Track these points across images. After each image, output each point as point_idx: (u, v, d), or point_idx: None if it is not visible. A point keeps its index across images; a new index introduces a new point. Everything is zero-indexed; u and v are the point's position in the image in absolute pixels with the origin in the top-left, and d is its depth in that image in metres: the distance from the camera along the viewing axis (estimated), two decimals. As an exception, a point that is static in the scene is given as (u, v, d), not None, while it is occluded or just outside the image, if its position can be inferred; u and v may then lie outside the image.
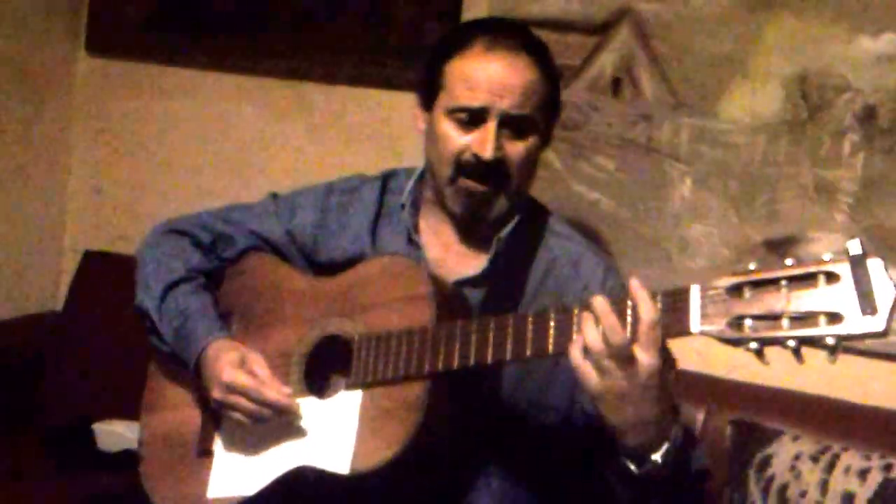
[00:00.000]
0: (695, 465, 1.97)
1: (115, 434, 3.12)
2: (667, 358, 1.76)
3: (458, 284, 2.17)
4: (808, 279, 1.57)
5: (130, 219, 3.77)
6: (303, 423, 2.11)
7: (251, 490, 2.13)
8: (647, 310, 1.70)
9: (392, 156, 3.10)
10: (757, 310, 1.60)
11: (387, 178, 2.38)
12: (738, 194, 2.88)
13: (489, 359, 1.90)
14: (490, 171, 2.12)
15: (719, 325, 1.64)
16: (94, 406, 3.22)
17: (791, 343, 1.58)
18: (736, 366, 2.84)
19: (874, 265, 1.53)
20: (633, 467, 1.83)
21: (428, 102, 2.22)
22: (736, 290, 1.63)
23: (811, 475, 2.45)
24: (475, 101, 2.12)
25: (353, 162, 3.15)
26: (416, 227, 2.27)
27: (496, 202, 2.16)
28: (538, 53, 2.19)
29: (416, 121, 2.28)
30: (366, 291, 2.13)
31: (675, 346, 2.11)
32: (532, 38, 2.22)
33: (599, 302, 1.74)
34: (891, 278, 1.52)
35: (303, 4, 3.45)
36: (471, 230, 2.23)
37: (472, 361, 1.91)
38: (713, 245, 2.91)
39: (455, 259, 2.23)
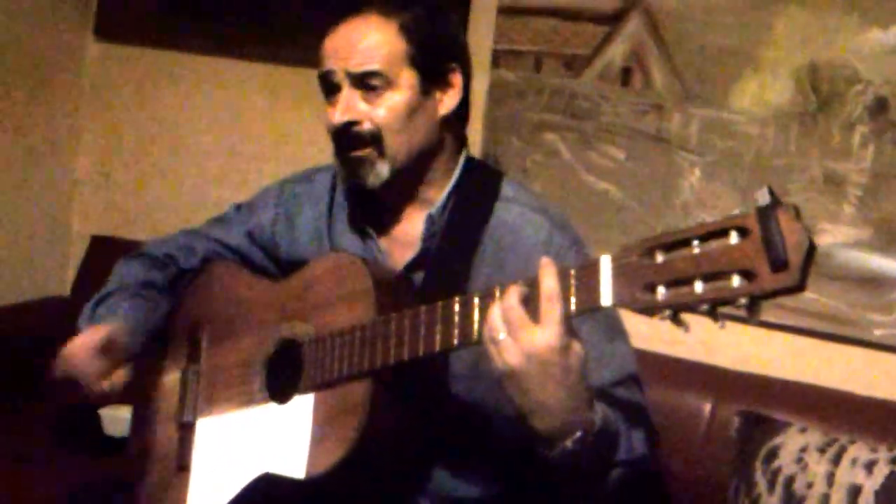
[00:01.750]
0: (627, 452, 1.90)
1: (121, 419, 3.12)
2: (570, 344, 1.67)
3: (406, 269, 2.13)
4: (719, 236, 1.47)
5: (138, 204, 3.78)
6: (264, 431, 2.11)
7: (223, 501, 2.13)
8: (547, 285, 1.64)
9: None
10: (669, 274, 1.51)
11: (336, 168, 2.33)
12: (748, 185, 2.88)
13: (420, 351, 1.85)
14: (351, 137, 2.07)
15: (631, 296, 1.56)
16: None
17: (704, 307, 1.49)
18: (743, 357, 2.84)
19: (784, 215, 1.42)
20: (547, 453, 1.76)
21: None
22: (648, 256, 1.54)
23: (818, 467, 2.45)
24: (322, 68, 2.12)
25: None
26: (363, 218, 2.21)
27: (371, 166, 2.07)
28: (396, 12, 2.10)
29: None
30: (315, 291, 2.10)
31: (676, 336, 2.11)
32: (394, 1, 2.14)
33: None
34: (803, 227, 1.42)
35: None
36: (403, 212, 2.17)
37: (405, 355, 1.87)
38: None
39: (401, 244, 2.17)
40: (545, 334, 1.65)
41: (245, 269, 2.36)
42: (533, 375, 1.67)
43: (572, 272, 1.65)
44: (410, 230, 2.16)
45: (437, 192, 2.15)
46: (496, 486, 2.16)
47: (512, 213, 2.13)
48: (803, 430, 2.53)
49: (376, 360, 1.91)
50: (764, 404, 2.64)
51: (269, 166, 3.54)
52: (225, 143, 3.65)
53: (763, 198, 1.44)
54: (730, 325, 2.92)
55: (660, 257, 1.54)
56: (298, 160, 3.44)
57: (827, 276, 2.80)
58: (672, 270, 1.52)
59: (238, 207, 2.46)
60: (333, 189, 2.29)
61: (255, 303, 2.24)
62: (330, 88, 2.11)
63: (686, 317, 1.55)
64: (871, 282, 2.76)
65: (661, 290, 1.53)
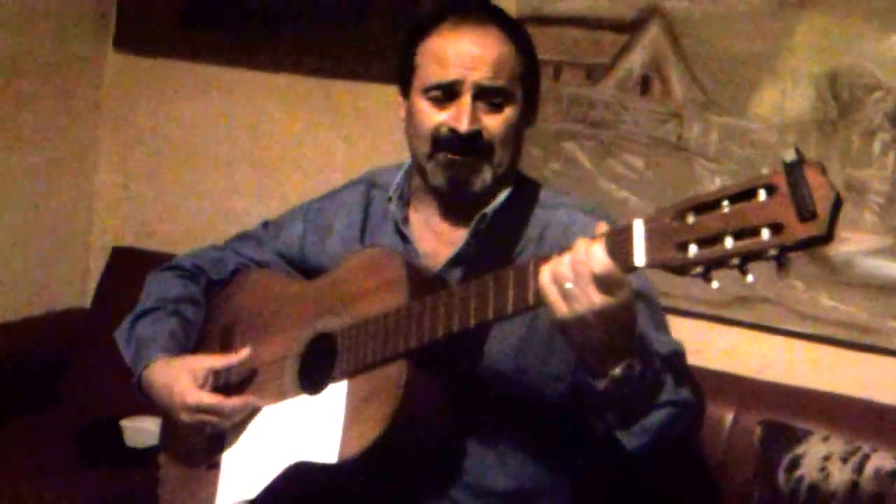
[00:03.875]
0: (673, 394, 1.95)
1: (142, 430, 3.13)
2: (633, 300, 1.77)
3: (445, 268, 2.17)
4: (748, 195, 1.54)
5: (158, 215, 3.79)
6: (297, 422, 2.14)
7: (253, 493, 2.16)
8: (598, 260, 1.71)
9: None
10: (700, 233, 1.58)
11: (371, 177, 2.40)
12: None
13: (455, 327, 1.90)
14: (468, 144, 2.11)
15: (664, 255, 1.63)
16: (122, 402, 3.21)
17: (735, 261, 1.55)
18: (765, 366, 2.84)
19: (811, 170, 1.49)
20: (596, 383, 1.84)
21: (405, 89, 2.23)
22: (679, 218, 1.61)
23: (841, 476, 2.44)
24: (447, 76, 2.11)
25: (380, 159, 3.13)
26: (405, 220, 2.26)
27: (479, 173, 2.13)
28: (509, 27, 2.19)
29: (399, 110, 2.27)
30: (349, 286, 2.15)
31: (704, 345, 2.11)
32: (502, 13, 2.23)
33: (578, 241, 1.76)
34: (829, 182, 1.48)
35: (330, 2, 3.46)
36: (459, 215, 2.21)
37: (440, 333, 1.92)
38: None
39: (445, 244, 2.22)
40: (620, 293, 1.73)
41: (277, 272, 2.41)
42: (598, 325, 1.75)
43: (604, 237, 1.72)
44: (456, 226, 2.21)
45: (493, 197, 2.19)
46: (530, 480, 2.17)
47: (558, 215, 2.21)
48: (826, 439, 2.52)
49: (411, 340, 1.96)
50: (786, 413, 2.63)
51: (288, 176, 3.55)
52: (244, 154, 3.66)
53: (790, 156, 1.51)
54: (751, 333, 2.95)
55: (691, 218, 1.60)
56: (316, 169, 3.46)
57: (848, 283, 2.79)
58: (703, 229, 1.58)
59: (265, 225, 2.50)
60: (366, 201, 2.34)
61: (288, 301, 2.29)
62: (447, 95, 2.13)
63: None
64: (892, 289, 2.75)
65: (692, 248, 1.59)
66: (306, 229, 2.41)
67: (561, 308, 1.75)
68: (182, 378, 2.22)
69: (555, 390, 2.15)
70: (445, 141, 2.12)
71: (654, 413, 1.92)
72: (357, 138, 3.45)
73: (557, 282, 1.74)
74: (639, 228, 1.66)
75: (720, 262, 1.57)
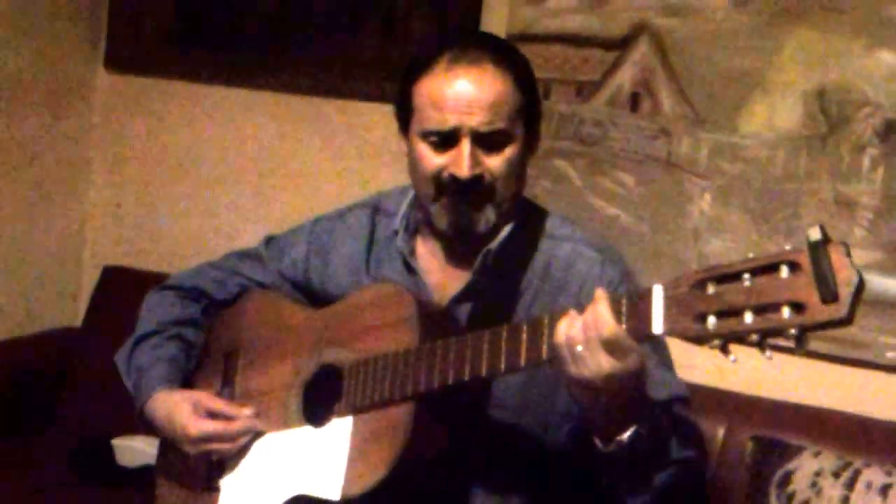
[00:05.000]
0: (679, 453, 1.94)
1: (134, 450, 3.12)
2: (643, 367, 1.76)
3: (452, 303, 2.16)
4: (770, 270, 1.54)
5: (150, 234, 3.79)
6: (299, 453, 2.13)
7: None
8: (604, 324, 1.70)
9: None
10: (720, 305, 1.58)
11: (377, 202, 2.35)
12: (758, 209, 2.88)
13: (466, 376, 1.90)
14: (470, 189, 2.07)
15: (682, 325, 1.62)
16: (113, 421, 3.22)
17: (754, 337, 1.55)
18: (756, 381, 2.84)
19: (835, 251, 1.49)
20: (602, 447, 1.84)
21: (404, 126, 2.19)
22: (699, 288, 1.61)
23: (833, 491, 2.44)
24: (445, 125, 2.06)
25: (370, 177, 3.16)
26: (412, 252, 2.23)
27: (483, 215, 2.11)
28: (506, 62, 2.11)
29: (400, 143, 2.23)
30: (357, 319, 2.13)
31: (694, 361, 2.11)
32: (499, 45, 2.17)
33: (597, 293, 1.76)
34: (853, 264, 1.48)
35: (320, 21, 3.46)
36: (465, 249, 2.18)
37: (450, 380, 1.91)
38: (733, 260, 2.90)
39: (451, 280, 2.20)
40: (629, 360, 1.72)
41: (283, 296, 2.39)
42: (607, 389, 1.74)
43: (624, 300, 1.71)
44: (462, 262, 2.19)
45: (496, 232, 2.16)
46: (551, 497, 2.16)
47: (564, 248, 2.18)
48: (817, 455, 2.52)
49: (420, 384, 1.95)
50: (777, 429, 2.64)
51: (280, 194, 3.55)
52: (235, 172, 3.66)
53: (815, 234, 1.51)
54: (742, 349, 2.93)
55: (711, 289, 1.59)
56: (308, 187, 3.46)
57: (839, 299, 2.80)
58: (723, 301, 1.58)
59: (268, 242, 2.46)
60: (372, 227, 2.31)
61: (293, 329, 2.27)
62: (445, 140, 2.08)
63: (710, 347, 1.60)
64: (883, 304, 2.75)
65: (711, 320, 1.58)
66: (310, 251, 2.38)
67: (570, 369, 1.75)
68: (183, 409, 2.21)
69: (559, 430, 2.13)
70: (448, 186, 2.09)
71: (660, 474, 1.92)
72: (348, 156, 3.46)
73: (568, 343, 1.74)
74: (658, 295, 1.66)
75: (739, 338, 1.58)
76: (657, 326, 1.66)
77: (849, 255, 1.49)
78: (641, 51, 2.99)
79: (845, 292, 1.47)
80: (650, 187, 3.00)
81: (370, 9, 3.39)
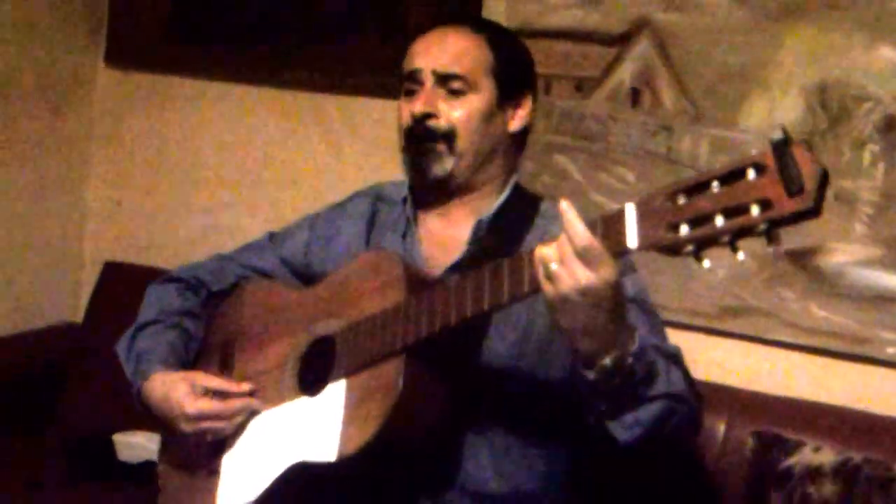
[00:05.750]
0: (667, 386, 1.95)
1: (135, 445, 3.13)
2: (620, 281, 1.77)
3: (446, 273, 2.19)
4: (737, 176, 1.56)
5: (150, 230, 3.79)
6: (296, 423, 2.15)
7: (252, 496, 2.16)
8: (578, 234, 1.71)
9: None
10: (691, 213, 1.60)
11: (379, 189, 2.43)
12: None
13: (452, 319, 1.91)
14: (426, 131, 2.18)
15: (656, 236, 1.65)
16: (114, 417, 3.22)
17: (726, 237, 1.58)
18: (757, 377, 2.84)
19: (798, 148, 1.52)
20: (587, 373, 1.84)
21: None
22: (670, 200, 1.63)
23: (833, 487, 2.44)
24: (410, 66, 2.22)
25: (370, 173, 3.15)
26: (415, 219, 2.30)
27: (438, 159, 2.19)
28: (484, 27, 2.29)
29: None
30: (347, 288, 2.17)
31: (695, 356, 2.11)
32: (483, 20, 2.35)
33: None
34: (816, 158, 1.52)
35: (321, 16, 3.46)
36: (459, 224, 2.25)
37: (437, 326, 1.94)
38: (733, 255, 2.89)
39: (445, 249, 2.24)
40: (603, 269, 1.71)
41: (276, 282, 2.42)
42: (584, 303, 1.74)
43: (598, 220, 1.73)
44: (457, 235, 2.24)
45: (489, 203, 2.25)
46: (525, 484, 2.18)
47: (557, 225, 2.17)
48: (817, 450, 2.52)
49: (408, 335, 1.97)
50: (777, 424, 2.63)
51: (280, 190, 3.55)
52: (236, 168, 3.66)
53: (777, 135, 1.54)
54: (743, 344, 2.95)
55: (682, 200, 1.62)
56: (308, 183, 3.46)
57: (838, 294, 2.80)
58: (694, 209, 1.60)
59: (271, 236, 2.52)
60: (372, 212, 2.38)
61: (287, 309, 2.31)
62: (413, 87, 2.22)
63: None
64: (883, 300, 2.75)
65: (684, 228, 1.61)
66: (311, 237, 2.43)
67: (547, 290, 1.75)
68: (180, 388, 2.23)
69: (551, 393, 2.16)
70: (408, 131, 2.21)
71: (648, 406, 1.91)
72: (348, 152, 3.46)
73: (543, 263, 1.75)
74: (631, 211, 1.68)
75: (711, 240, 1.60)
76: (632, 240, 1.68)
77: (811, 150, 1.52)
78: (642, 46, 2.99)
79: (810, 184, 1.50)
80: (651, 183, 2.99)
81: (370, 5, 3.39)
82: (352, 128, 3.45)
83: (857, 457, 2.48)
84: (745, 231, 1.56)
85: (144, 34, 3.72)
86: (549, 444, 2.20)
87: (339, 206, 2.45)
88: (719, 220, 1.57)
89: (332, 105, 3.48)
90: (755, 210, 1.53)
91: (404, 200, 2.32)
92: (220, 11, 3.63)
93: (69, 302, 3.85)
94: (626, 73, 3.02)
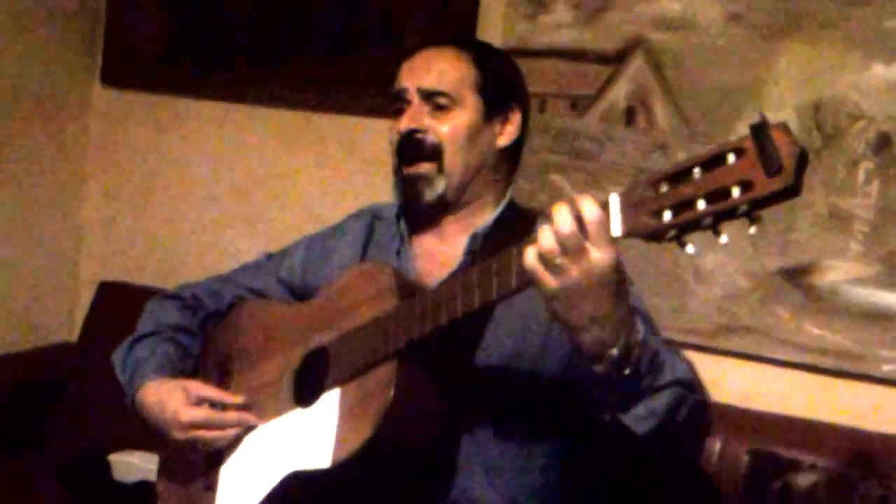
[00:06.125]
0: (674, 373, 1.93)
1: (130, 465, 3.12)
2: (620, 262, 1.76)
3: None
4: (718, 161, 1.58)
5: (146, 249, 3.79)
6: (292, 435, 2.15)
7: None
8: (590, 208, 1.70)
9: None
10: (673, 200, 1.61)
11: (375, 210, 2.45)
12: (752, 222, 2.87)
13: (443, 319, 1.92)
14: (413, 148, 2.21)
15: (639, 223, 1.66)
16: (110, 437, 3.22)
17: (708, 220, 1.59)
18: (753, 394, 2.84)
19: (776, 130, 1.54)
20: (595, 367, 1.82)
21: None
22: (653, 189, 1.64)
23: (829, 504, 2.45)
24: (397, 86, 2.27)
25: (365, 192, 3.16)
26: (409, 235, 2.31)
27: (431, 182, 2.21)
28: (470, 46, 2.33)
29: None
30: (341, 300, 2.19)
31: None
32: (469, 39, 2.40)
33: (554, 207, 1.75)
34: (795, 139, 1.53)
35: (317, 37, 3.47)
36: (453, 239, 2.26)
37: (428, 328, 1.94)
38: (728, 274, 2.90)
39: (440, 264, 2.25)
40: (601, 253, 1.70)
41: (271, 300, 2.44)
42: (590, 291, 1.73)
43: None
44: (451, 251, 2.25)
45: (483, 218, 2.27)
46: (518, 496, 2.17)
47: None
48: (813, 468, 2.53)
49: (400, 339, 1.98)
50: (773, 442, 2.63)
51: (276, 209, 3.55)
52: (231, 188, 3.66)
53: (756, 119, 1.56)
54: (738, 362, 2.95)
55: (664, 187, 1.63)
56: (304, 203, 3.46)
57: (834, 312, 2.80)
58: (676, 195, 1.62)
59: (269, 257, 2.54)
60: (369, 231, 2.39)
61: (282, 325, 2.32)
62: (400, 105, 2.26)
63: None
64: (879, 317, 2.76)
65: (666, 215, 1.63)
66: (308, 257, 2.44)
67: (550, 282, 1.73)
68: (175, 396, 2.24)
69: (543, 404, 2.16)
70: (397, 149, 2.23)
71: (658, 395, 1.89)
72: (344, 172, 3.46)
73: (543, 258, 1.73)
74: (615, 201, 1.69)
75: (694, 224, 1.61)
76: (616, 228, 1.68)
77: (789, 131, 1.54)
78: (636, 65, 3.00)
79: (789, 163, 1.52)
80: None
81: (367, 25, 3.40)
82: (347, 147, 3.45)
83: (853, 474, 2.48)
84: (727, 213, 1.58)
85: (140, 54, 3.73)
86: (545, 458, 2.19)
87: (337, 227, 2.47)
88: (701, 204, 1.58)
89: (328, 124, 3.48)
90: (736, 192, 1.55)
91: (398, 218, 2.33)
92: (216, 32, 3.64)
93: (65, 321, 3.85)
94: (620, 92, 3.03)
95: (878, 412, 2.76)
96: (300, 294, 2.42)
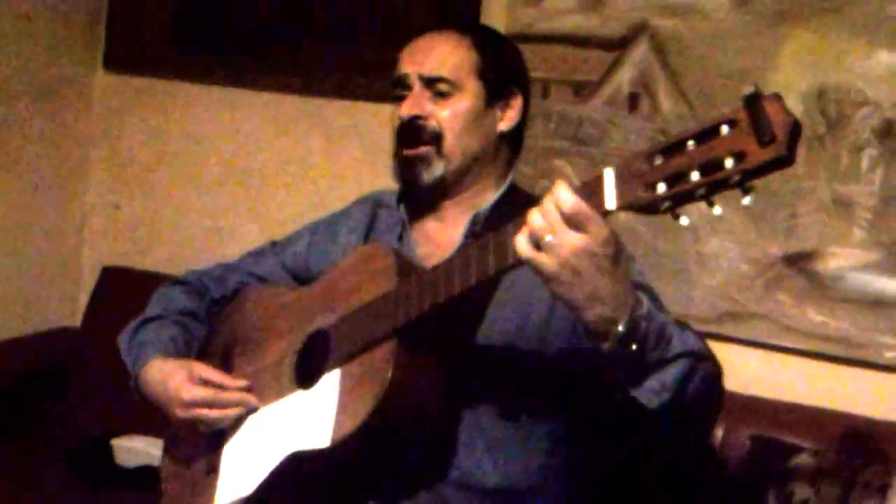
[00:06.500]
0: (683, 345, 1.90)
1: (133, 450, 3.13)
2: (615, 235, 1.75)
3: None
4: (712, 133, 1.58)
5: (149, 234, 3.79)
6: (292, 417, 2.15)
7: (249, 490, 2.17)
8: (564, 196, 1.70)
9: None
10: (667, 172, 1.61)
11: (378, 198, 2.44)
12: (756, 209, 2.86)
13: (441, 297, 1.92)
14: (414, 133, 2.20)
15: (633, 195, 1.66)
16: (113, 422, 3.23)
17: (701, 191, 1.59)
18: (755, 381, 2.84)
19: (769, 100, 1.53)
20: (602, 345, 1.80)
21: None
22: (647, 162, 1.64)
23: (831, 491, 2.45)
24: (399, 71, 2.26)
25: (369, 177, 3.16)
26: (410, 221, 2.31)
27: (430, 164, 2.21)
28: (470, 30, 2.31)
29: None
30: (342, 283, 2.19)
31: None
32: (470, 22, 2.37)
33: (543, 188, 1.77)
34: (787, 109, 1.52)
35: (320, 22, 3.47)
36: (449, 215, 2.27)
37: (426, 306, 1.94)
38: (732, 260, 2.90)
39: (440, 248, 2.25)
40: (594, 227, 1.70)
41: (274, 285, 2.44)
42: (585, 268, 1.72)
43: (578, 188, 1.73)
44: (452, 234, 2.25)
45: (484, 200, 2.27)
46: (521, 478, 2.16)
47: None
48: (816, 454, 2.53)
49: (398, 317, 1.98)
50: (776, 429, 2.64)
51: (279, 194, 3.55)
52: (234, 173, 3.66)
53: (749, 90, 1.55)
54: (741, 349, 2.95)
55: (658, 160, 1.63)
56: (310, 189, 3.46)
57: (837, 299, 2.80)
58: (670, 167, 1.62)
59: (273, 244, 2.54)
60: (372, 217, 2.40)
61: (284, 309, 2.32)
62: (402, 92, 2.25)
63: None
64: (882, 304, 2.76)
65: (660, 187, 1.62)
66: (312, 243, 2.45)
67: (544, 263, 1.73)
68: (177, 374, 2.24)
69: (546, 384, 2.15)
70: (397, 134, 2.23)
71: (669, 367, 1.87)
72: (347, 156, 3.46)
73: (533, 237, 1.73)
74: (609, 175, 1.69)
75: (688, 195, 1.61)
76: (610, 202, 1.68)
77: (781, 101, 1.53)
78: (640, 51, 3.00)
79: (781, 132, 1.51)
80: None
81: (369, 10, 3.40)
82: (351, 132, 3.45)
83: (855, 461, 2.48)
84: (720, 184, 1.58)
85: (143, 39, 3.73)
86: (547, 439, 2.19)
87: (341, 213, 2.47)
88: (694, 176, 1.58)
89: (332, 109, 3.48)
90: (729, 162, 1.55)
91: (398, 203, 2.33)
92: (219, 16, 3.64)
93: (67, 306, 3.85)
94: (624, 78, 3.03)
95: (880, 399, 2.76)
96: (304, 280, 2.42)
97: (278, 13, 3.53)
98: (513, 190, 2.31)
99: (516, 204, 2.24)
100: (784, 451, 2.56)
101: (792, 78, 2.84)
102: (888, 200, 2.75)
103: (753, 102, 1.54)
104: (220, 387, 2.24)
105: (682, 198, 1.62)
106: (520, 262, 1.79)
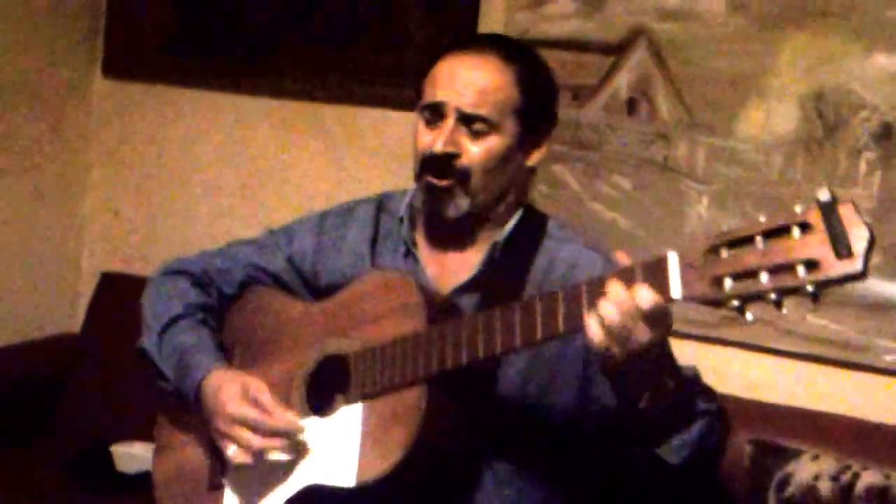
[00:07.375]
0: (706, 404, 1.98)
1: (133, 456, 3.13)
2: (670, 327, 1.78)
3: (455, 293, 2.18)
4: (782, 232, 1.56)
5: (148, 240, 3.79)
6: (307, 444, 2.11)
7: None
8: (644, 293, 1.71)
9: (408, 177, 3.10)
10: (735, 268, 1.60)
11: (383, 199, 2.40)
12: (755, 213, 2.86)
13: (481, 354, 1.91)
14: (443, 166, 2.13)
15: (700, 289, 1.64)
16: (112, 428, 3.23)
17: (772, 296, 1.58)
18: (755, 385, 2.84)
19: (846, 210, 1.51)
20: (637, 400, 1.86)
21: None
22: (713, 253, 1.63)
23: (831, 494, 2.44)
24: (434, 98, 2.16)
25: (369, 183, 3.16)
26: (413, 242, 2.27)
27: (454, 198, 2.15)
28: (514, 59, 2.19)
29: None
30: (360, 307, 2.14)
31: (696, 364, 2.11)
32: (515, 47, 2.23)
33: (610, 280, 1.76)
34: (864, 220, 1.51)
35: (319, 27, 3.47)
36: (467, 241, 2.24)
37: (464, 360, 1.93)
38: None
39: (452, 271, 2.23)
40: (668, 320, 1.75)
41: (281, 292, 2.39)
42: (646, 359, 1.77)
43: (637, 269, 1.73)
44: (465, 257, 2.22)
45: (501, 228, 2.23)
46: (554, 486, 2.19)
47: (566, 249, 2.23)
48: (815, 458, 2.53)
49: (432, 364, 1.96)
50: (775, 432, 2.64)
51: (278, 199, 3.55)
52: (233, 178, 3.66)
53: (824, 195, 1.53)
54: (740, 352, 2.95)
55: (725, 253, 1.62)
56: (309, 195, 3.46)
57: (836, 302, 2.80)
58: (738, 264, 1.60)
59: (272, 232, 2.47)
60: (377, 219, 2.35)
61: (293, 322, 2.27)
62: (435, 116, 2.16)
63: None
64: (881, 308, 2.76)
65: (727, 283, 1.61)
66: (320, 244, 2.39)
67: (614, 355, 1.76)
68: (232, 388, 2.12)
69: (555, 422, 2.16)
70: (425, 162, 2.16)
71: (691, 426, 1.93)
72: (346, 162, 3.46)
73: (606, 326, 1.74)
74: (674, 261, 1.68)
75: (757, 297, 1.60)
76: (675, 292, 1.68)
77: (858, 211, 1.52)
78: (638, 55, 3.00)
79: (859, 246, 1.50)
80: (647, 191, 3.00)
81: (368, 15, 3.40)
82: (350, 137, 3.45)
83: (855, 464, 2.48)
84: (792, 291, 1.56)
85: (141, 45, 3.73)
86: (554, 477, 2.19)
87: (347, 212, 2.41)
88: (764, 278, 1.57)
89: (331, 115, 3.48)
90: (801, 270, 1.54)
91: (401, 220, 2.29)
92: (218, 22, 3.64)
93: (67, 312, 3.85)
94: (622, 82, 3.03)
95: (880, 402, 2.76)
96: (309, 281, 2.38)
97: (276, 19, 3.53)
98: (528, 211, 2.29)
99: (529, 228, 2.25)
100: (784, 454, 2.56)
101: (789, 82, 2.85)
102: (887, 204, 2.75)
103: (829, 208, 1.52)
104: (270, 413, 2.10)
105: (750, 298, 1.61)
106: (569, 333, 1.83)
